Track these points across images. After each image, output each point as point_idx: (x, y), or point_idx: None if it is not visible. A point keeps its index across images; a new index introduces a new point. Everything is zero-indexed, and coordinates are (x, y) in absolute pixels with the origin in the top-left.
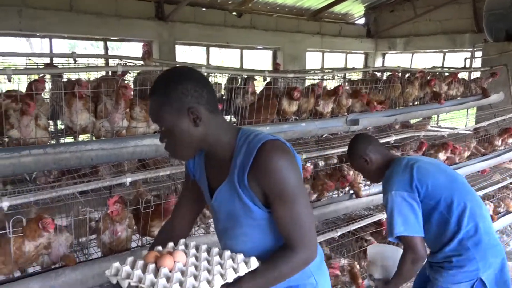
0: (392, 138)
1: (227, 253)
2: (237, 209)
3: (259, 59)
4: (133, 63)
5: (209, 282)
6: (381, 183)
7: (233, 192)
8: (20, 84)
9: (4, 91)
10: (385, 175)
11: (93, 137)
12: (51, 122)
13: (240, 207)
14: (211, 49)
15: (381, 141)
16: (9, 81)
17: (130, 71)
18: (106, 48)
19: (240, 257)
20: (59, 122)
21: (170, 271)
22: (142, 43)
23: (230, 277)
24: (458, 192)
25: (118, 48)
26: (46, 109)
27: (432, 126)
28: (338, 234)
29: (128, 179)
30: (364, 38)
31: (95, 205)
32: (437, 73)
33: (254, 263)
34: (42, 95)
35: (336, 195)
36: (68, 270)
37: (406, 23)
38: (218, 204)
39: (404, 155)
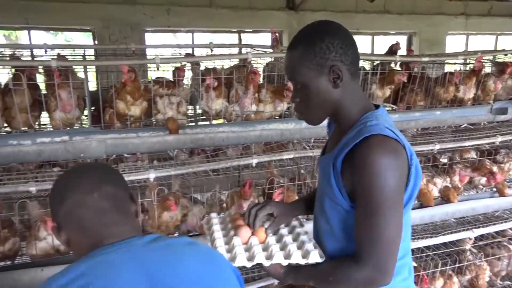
0: None
1: (302, 237)
2: (326, 186)
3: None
4: (263, 51)
5: (271, 256)
6: None
7: (328, 167)
8: (166, 72)
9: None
10: None
11: (225, 121)
12: (190, 106)
13: (328, 185)
14: None
15: None
16: (157, 69)
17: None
18: (240, 40)
19: (309, 246)
20: (197, 107)
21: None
22: (271, 31)
23: (294, 259)
24: None
25: (251, 40)
26: (186, 94)
27: None
28: (475, 235)
29: (254, 160)
30: None
31: (224, 184)
32: None
33: (315, 257)
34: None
35: (474, 192)
36: (200, 239)
37: None
38: (319, 172)
39: None
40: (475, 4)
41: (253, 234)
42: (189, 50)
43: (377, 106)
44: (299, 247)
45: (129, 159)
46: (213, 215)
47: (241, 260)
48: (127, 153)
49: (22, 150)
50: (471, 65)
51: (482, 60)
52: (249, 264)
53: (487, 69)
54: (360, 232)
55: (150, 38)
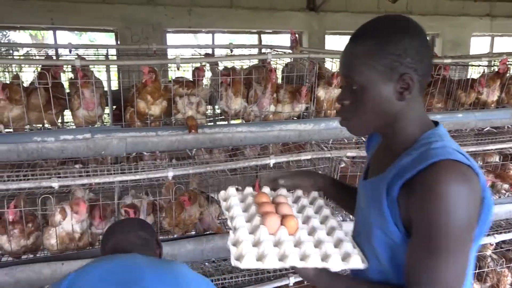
0: None
1: (338, 232)
2: (375, 216)
3: None
4: (282, 51)
5: (305, 257)
6: None
7: (379, 192)
8: (187, 72)
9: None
10: None
11: (243, 121)
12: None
13: (378, 215)
14: None
15: None
16: (178, 69)
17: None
18: (260, 41)
19: (348, 246)
20: (216, 107)
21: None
22: (290, 31)
23: (332, 266)
24: None
25: (271, 41)
26: (205, 94)
27: None
28: (497, 240)
29: (272, 161)
30: None
31: (241, 184)
32: None
33: (356, 262)
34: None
35: (496, 197)
36: (217, 237)
37: None
38: (361, 195)
39: None
40: (501, 5)
41: (282, 223)
42: (209, 51)
43: (435, 122)
44: (336, 245)
45: (149, 158)
46: (232, 189)
47: (271, 261)
48: (147, 151)
49: (46, 146)
50: (496, 67)
51: (507, 62)
52: (279, 266)
53: None
54: (414, 272)
55: (171, 38)
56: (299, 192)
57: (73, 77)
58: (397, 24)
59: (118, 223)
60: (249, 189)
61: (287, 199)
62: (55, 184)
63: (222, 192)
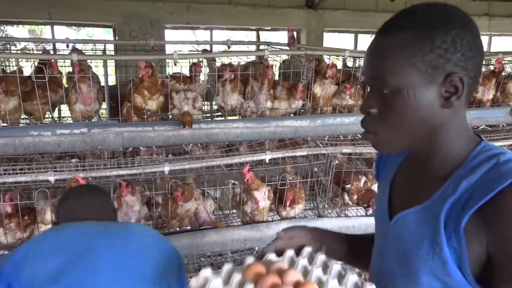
0: None
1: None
2: (422, 257)
3: None
4: (279, 48)
5: None
6: None
7: (426, 228)
8: (184, 67)
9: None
10: None
11: (240, 117)
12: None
13: (429, 257)
14: (359, 35)
15: None
16: (175, 64)
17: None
18: (258, 38)
19: None
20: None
21: None
22: (287, 28)
23: None
24: None
25: (270, 38)
26: (202, 89)
27: None
28: None
29: (267, 156)
30: None
31: (238, 180)
32: None
33: None
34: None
35: None
36: (212, 232)
37: None
38: (393, 234)
39: None
40: (498, 4)
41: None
42: (207, 46)
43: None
44: None
45: (145, 153)
46: (206, 271)
47: None
48: (143, 146)
49: (42, 140)
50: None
51: (503, 62)
52: None
53: (508, 70)
54: None
55: (170, 34)
56: (289, 252)
57: (70, 72)
58: (442, 12)
59: (70, 191)
60: (228, 266)
61: (283, 264)
62: (52, 177)
63: (193, 282)
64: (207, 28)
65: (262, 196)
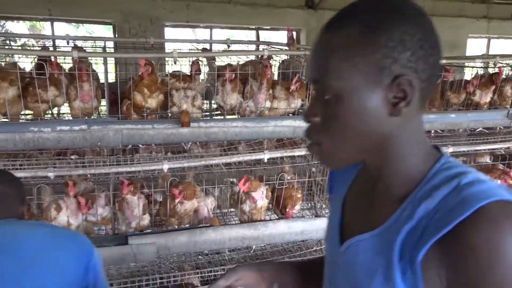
0: None
1: None
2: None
3: None
4: (279, 48)
5: None
6: None
7: (379, 257)
8: (184, 66)
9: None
10: None
11: (239, 116)
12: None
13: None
14: None
15: None
16: (175, 63)
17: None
18: (257, 37)
19: None
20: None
21: None
22: (287, 28)
23: None
24: None
25: (269, 38)
26: (201, 88)
27: None
28: None
29: (266, 156)
30: None
31: (236, 179)
32: None
33: None
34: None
35: None
36: (210, 230)
37: None
38: (343, 261)
39: None
40: (498, 7)
41: None
42: (207, 45)
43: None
44: None
45: (144, 151)
46: None
47: None
48: (143, 144)
49: (42, 136)
50: (490, 69)
51: (501, 64)
52: None
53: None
54: None
55: (170, 32)
56: None
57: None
58: (391, 5)
59: None
60: None
61: None
62: (51, 174)
63: None
64: (206, 26)
65: (260, 196)
